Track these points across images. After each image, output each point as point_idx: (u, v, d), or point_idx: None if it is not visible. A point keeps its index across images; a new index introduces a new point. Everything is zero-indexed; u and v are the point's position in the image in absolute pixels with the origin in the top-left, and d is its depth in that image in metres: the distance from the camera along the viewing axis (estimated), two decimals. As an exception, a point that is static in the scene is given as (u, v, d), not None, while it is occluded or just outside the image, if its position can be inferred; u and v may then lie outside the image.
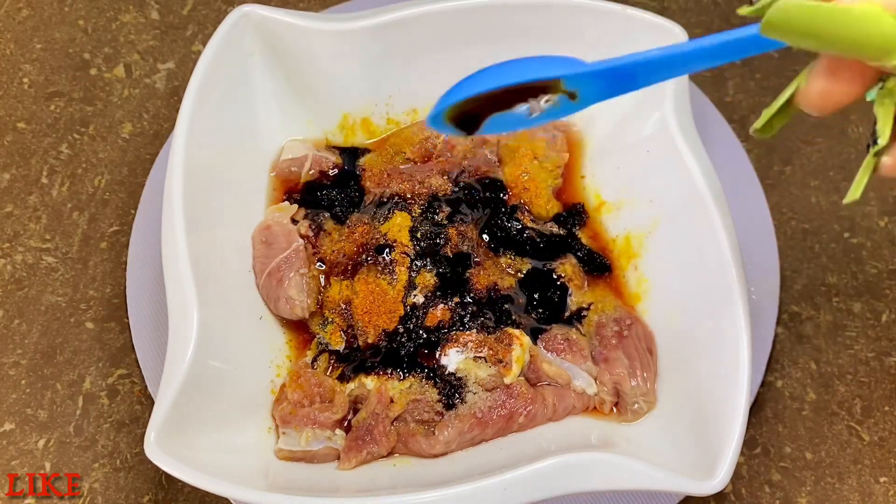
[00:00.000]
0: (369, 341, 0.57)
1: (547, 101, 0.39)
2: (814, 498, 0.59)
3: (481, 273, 0.59)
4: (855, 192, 0.40)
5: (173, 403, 0.48)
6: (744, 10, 0.37)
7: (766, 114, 0.42)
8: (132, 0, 0.77)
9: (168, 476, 0.51)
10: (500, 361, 0.56)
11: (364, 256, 0.59)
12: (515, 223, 0.62)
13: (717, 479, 0.47)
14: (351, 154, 0.65)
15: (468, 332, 0.56)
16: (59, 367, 0.62)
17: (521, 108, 0.39)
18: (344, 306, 0.59)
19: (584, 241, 0.63)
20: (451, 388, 0.55)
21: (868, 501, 0.59)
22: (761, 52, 0.36)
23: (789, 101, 0.41)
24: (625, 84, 0.39)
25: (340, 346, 0.58)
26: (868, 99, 0.37)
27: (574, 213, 0.63)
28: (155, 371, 0.60)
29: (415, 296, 0.58)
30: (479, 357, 0.56)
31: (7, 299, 0.65)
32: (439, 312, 0.57)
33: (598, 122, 0.64)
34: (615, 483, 0.48)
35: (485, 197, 0.62)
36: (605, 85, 0.39)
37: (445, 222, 0.60)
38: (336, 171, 0.64)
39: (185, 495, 0.59)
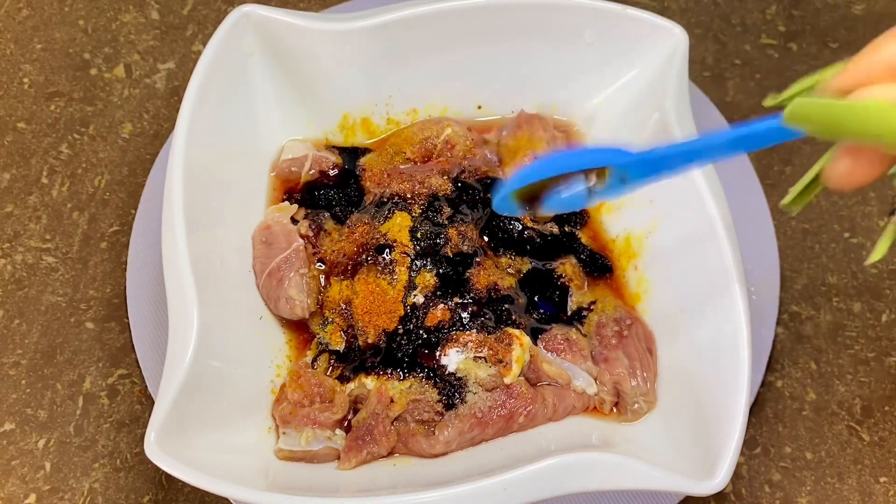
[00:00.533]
0: (369, 341, 0.57)
1: (600, 178, 0.46)
2: (814, 498, 0.59)
3: (481, 273, 0.59)
4: (876, 255, 0.44)
5: (173, 403, 0.48)
6: (768, 102, 0.42)
7: (794, 190, 0.46)
8: (132, 0, 0.77)
9: (168, 476, 0.51)
10: (500, 361, 0.56)
11: (364, 256, 0.59)
12: (515, 223, 0.62)
13: (717, 479, 0.47)
14: (351, 154, 0.65)
15: (468, 332, 0.56)
16: (59, 367, 0.62)
17: (579, 185, 0.46)
18: (344, 306, 0.59)
19: (584, 241, 0.63)
20: (451, 388, 0.55)
21: (868, 501, 0.59)
22: (787, 140, 0.39)
23: (816, 178, 0.44)
24: (664, 169, 0.44)
25: (340, 346, 0.58)
26: (890, 173, 0.39)
27: (574, 213, 0.63)
28: (155, 371, 0.60)
29: (415, 296, 0.58)
30: (479, 357, 0.56)
31: (7, 299, 0.65)
32: (439, 312, 0.57)
33: (597, 122, 0.64)
34: (615, 483, 0.48)
35: (485, 197, 0.62)
36: (648, 169, 0.45)
37: (445, 222, 0.60)
38: (336, 171, 0.64)
39: (185, 495, 0.59)
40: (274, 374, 0.57)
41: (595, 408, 0.57)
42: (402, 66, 0.63)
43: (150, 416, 0.48)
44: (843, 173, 0.39)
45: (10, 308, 0.64)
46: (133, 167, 0.70)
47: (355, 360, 0.57)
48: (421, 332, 0.57)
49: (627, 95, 0.62)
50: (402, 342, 0.56)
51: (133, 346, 0.62)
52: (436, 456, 0.54)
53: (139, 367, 0.61)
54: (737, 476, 0.59)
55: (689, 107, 0.59)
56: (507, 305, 0.58)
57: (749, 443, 0.61)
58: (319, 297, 0.59)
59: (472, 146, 0.65)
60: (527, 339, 0.56)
